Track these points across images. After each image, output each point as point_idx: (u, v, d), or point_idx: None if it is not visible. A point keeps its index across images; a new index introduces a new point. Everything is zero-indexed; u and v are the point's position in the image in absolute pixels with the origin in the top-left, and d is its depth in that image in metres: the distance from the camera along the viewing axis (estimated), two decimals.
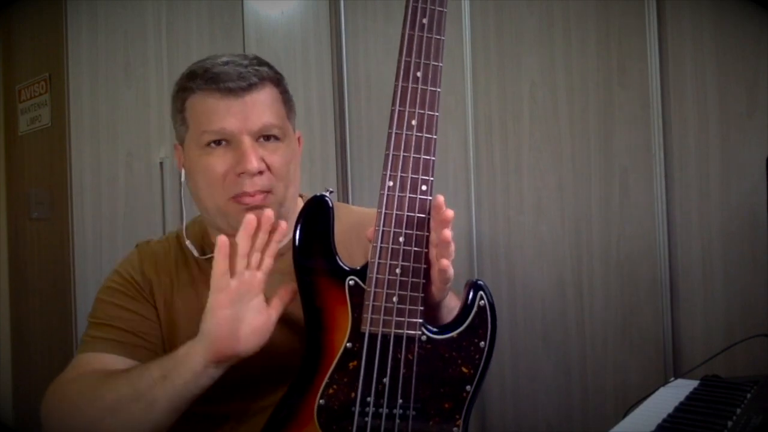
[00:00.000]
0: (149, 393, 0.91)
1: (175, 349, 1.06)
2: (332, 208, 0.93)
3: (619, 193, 1.97)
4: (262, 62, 1.07)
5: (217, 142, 1.02)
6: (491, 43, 2.10)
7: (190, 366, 0.91)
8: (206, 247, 1.11)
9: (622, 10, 1.96)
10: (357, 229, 1.10)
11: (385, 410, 0.91)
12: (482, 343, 0.93)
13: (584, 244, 2.01)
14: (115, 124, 2.10)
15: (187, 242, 1.10)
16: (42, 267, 2.28)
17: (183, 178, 1.11)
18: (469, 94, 2.12)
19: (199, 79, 1.03)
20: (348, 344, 0.91)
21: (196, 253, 1.10)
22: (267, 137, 1.03)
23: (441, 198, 0.89)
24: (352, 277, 0.92)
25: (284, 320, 1.06)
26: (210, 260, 1.09)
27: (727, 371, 1.26)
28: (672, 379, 1.18)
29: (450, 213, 0.89)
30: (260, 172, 1.01)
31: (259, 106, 1.02)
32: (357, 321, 0.91)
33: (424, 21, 0.92)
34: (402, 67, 0.92)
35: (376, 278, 0.90)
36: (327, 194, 0.93)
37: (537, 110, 2.06)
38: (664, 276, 1.92)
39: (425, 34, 0.92)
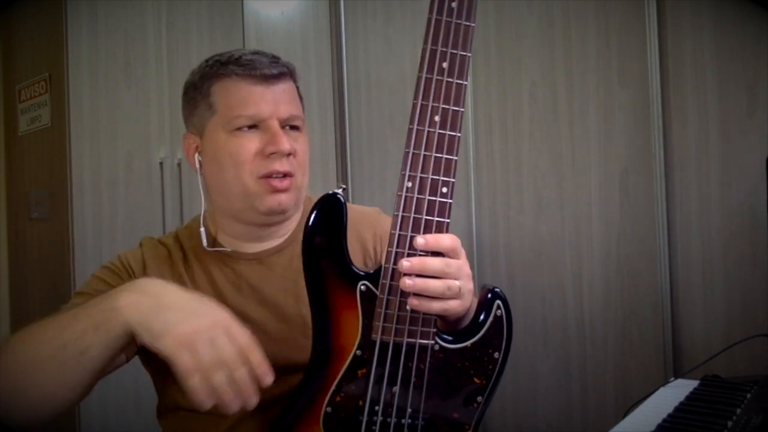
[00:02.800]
0: (81, 340, 0.85)
1: None
2: (345, 205, 0.89)
3: (619, 193, 1.97)
4: (285, 61, 1.11)
5: (248, 127, 1.05)
6: (491, 43, 2.10)
7: (116, 328, 0.84)
8: (212, 242, 1.12)
9: (622, 10, 1.96)
10: (355, 228, 1.10)
11: (393, 420, 0.88)
12: (496, 354, 0.89)
13: (584, 244, 2.01)
14: (115, 124, 2.10)
15: (201, 229, 1.10)
16: (42, 267, 2.28)
17: (197, 165, 1.10)
18: (469, 94, 2.11)
19: (232, 65, 1.06)
20: (357, 352, 0.87)
21: (205, 242, 1.10)
22: (291, 126, 1.07)
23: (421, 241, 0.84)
24: (364, 282, 0.87)
25: (283, 316, 1.06)
26: (213, 254, 1.10)
27: (727, 371, 1.25)
28: (672, 379, 1.18)
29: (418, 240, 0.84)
30: (289, 155, 1.04)
31: (287, 96, 1.07)
32: (367, 328, 0.86)
33: (453, 5, 0.83)
34: (427, 56, 0.83)
35: (390, 285, 0.85)
36: (340, 192, 0.90)
37: (537, 110, 2.06)
38: (664, 276, 1.92)
39: (454, 20, 0.83)
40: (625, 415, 1.03)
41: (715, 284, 1.86)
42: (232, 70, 1.06)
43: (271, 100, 1.05)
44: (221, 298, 1.07)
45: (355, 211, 1.16)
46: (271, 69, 1.06)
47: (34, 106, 2.26)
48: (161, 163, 2.11)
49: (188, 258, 1.11)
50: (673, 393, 1.08)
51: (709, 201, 1.87)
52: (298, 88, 1.12)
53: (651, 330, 1.93)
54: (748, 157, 1.81)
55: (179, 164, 2.12)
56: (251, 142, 1.04)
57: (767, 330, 1.69)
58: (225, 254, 1.10)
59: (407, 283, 0.82)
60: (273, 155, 1.03)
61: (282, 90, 1.07)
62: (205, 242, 1.10)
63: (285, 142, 1.03)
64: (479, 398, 0.90)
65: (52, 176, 2.17)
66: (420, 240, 0.83)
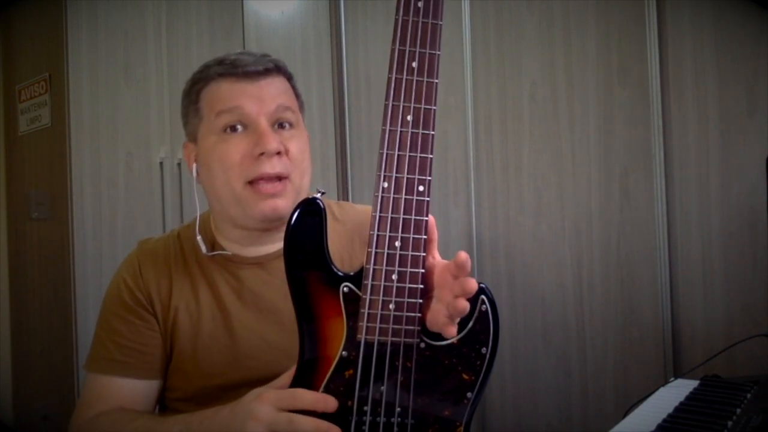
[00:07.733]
0: None
1: (175, 347, 1.07)
2: (324, 209, 0.88)
3: (619, 193, 1.97)
4: (274, 58, 1.10)
5: (234, 128, 1.03)
6: (491, 43, 2.11)
7: None
8: (212, 245, 1.12)
9: (622, 10, 1.96)
10: (362, 229, 1.09)
11: (382, 419, 0.87)
12: (484, 349, 0.88)
13: (584, 244, 2.01)
14: (115, 124, 2.10)
15: (198, 237, 1.10)
16: (42, 267, 2.28)
17: (195, 174, 1.10)
18: (469, 94, 2.12)
19: (216, 67, 1.06)
20: (344, 353, 0.87)
21: (204, 249, 1.09)
22: (282, 125, 1.05)
23: (465, 256, 0.80)
24: (346, 283, 0.87)
25: (283, 324, 1.05)
26: (214, 257, 1.09)
27: (727, 371, 1.25)
28: (672, 379, 1.18)
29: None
30: (278, 154, 1.02)
31: (274, 90, 1.05)
32: (352, 329, 0.86)
33: (420, 4, 0.84)
34: (396, 57, 0.84)
35: (372, 285, 0.85)
36: (318, 196, 0.90)
37: (537, 110, 2.06)
38: (664, 276, 1.92)
39: (421, 19, 0.84)
40: (625, 415, 1.03)
41: (715, 284, 1.86)
42: (215, 71, 1.05)
43: (256, 96, 1.03)
44: (223, 306, 1.08)
45: (361, 212, 1.16)
46: (255, 66, 1.04)
47: (34, 106, 2.26)
48: (161, 163, 2.12)
49: (188, 261, 1.11)
50: (673, 393, 1.08)
51: (709, 201, 1.87)
52: (294, 86, 1.11)
53: (651, 330, 1.93)
54: (748, 157, 1.81)
55: (179, 164, 2.12)
56: (239, 145, 1.02)
57: (767, 330, 1.69)
58: (226, 257, 1.10)
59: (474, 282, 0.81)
60: (261, 156, 1.01)
61: (267, 84, 1.05)
62: (204, 249, 1.10)
63: (272, 141, 1.01)
64: (469, 394, 0.89)
65: (52, 176, 2.17)
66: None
